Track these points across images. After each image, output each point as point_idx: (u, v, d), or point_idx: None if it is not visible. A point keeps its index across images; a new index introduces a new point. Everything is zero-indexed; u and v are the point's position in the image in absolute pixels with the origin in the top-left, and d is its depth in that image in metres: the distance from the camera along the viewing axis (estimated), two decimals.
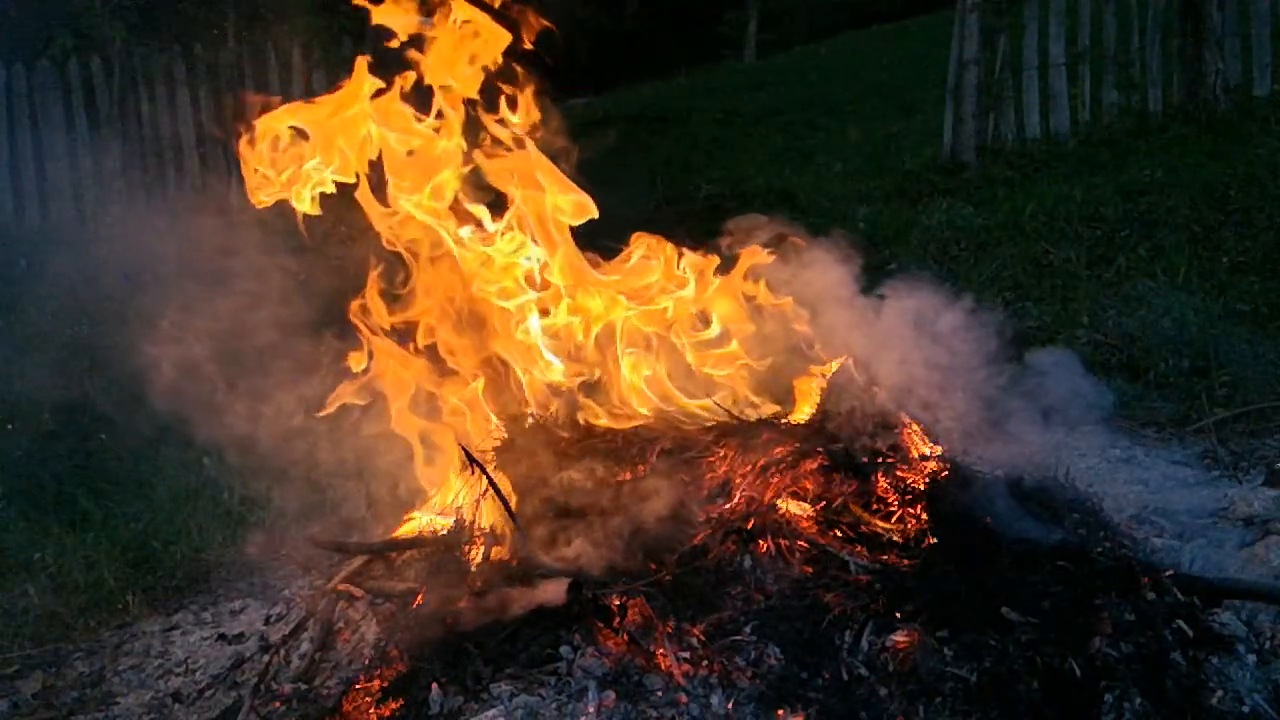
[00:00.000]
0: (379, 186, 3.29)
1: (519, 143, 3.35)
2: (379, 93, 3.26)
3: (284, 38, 10.28)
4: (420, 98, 3.30)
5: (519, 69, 3.36)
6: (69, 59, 9.95)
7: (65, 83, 9.85)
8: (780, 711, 2.34)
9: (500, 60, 3.33)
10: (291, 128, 3.25)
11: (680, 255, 3.45)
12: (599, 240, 3.47)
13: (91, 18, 10.32)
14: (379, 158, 3.29)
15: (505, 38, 3.30)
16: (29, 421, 5.29)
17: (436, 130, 3.32)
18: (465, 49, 3.31)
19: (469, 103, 3.33)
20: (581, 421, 3.28)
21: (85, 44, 10.34)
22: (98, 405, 5.32)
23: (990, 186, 8.29)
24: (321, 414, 3.51)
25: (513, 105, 3.38)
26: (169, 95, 10.12)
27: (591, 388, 3.36)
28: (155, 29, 10.74)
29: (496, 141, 3.35)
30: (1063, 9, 8.99)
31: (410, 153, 3.31)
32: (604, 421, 3.29)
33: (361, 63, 3.25)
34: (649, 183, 9.56)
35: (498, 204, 3.37)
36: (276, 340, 4.03)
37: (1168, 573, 2.68)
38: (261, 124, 3.23)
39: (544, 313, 3.39)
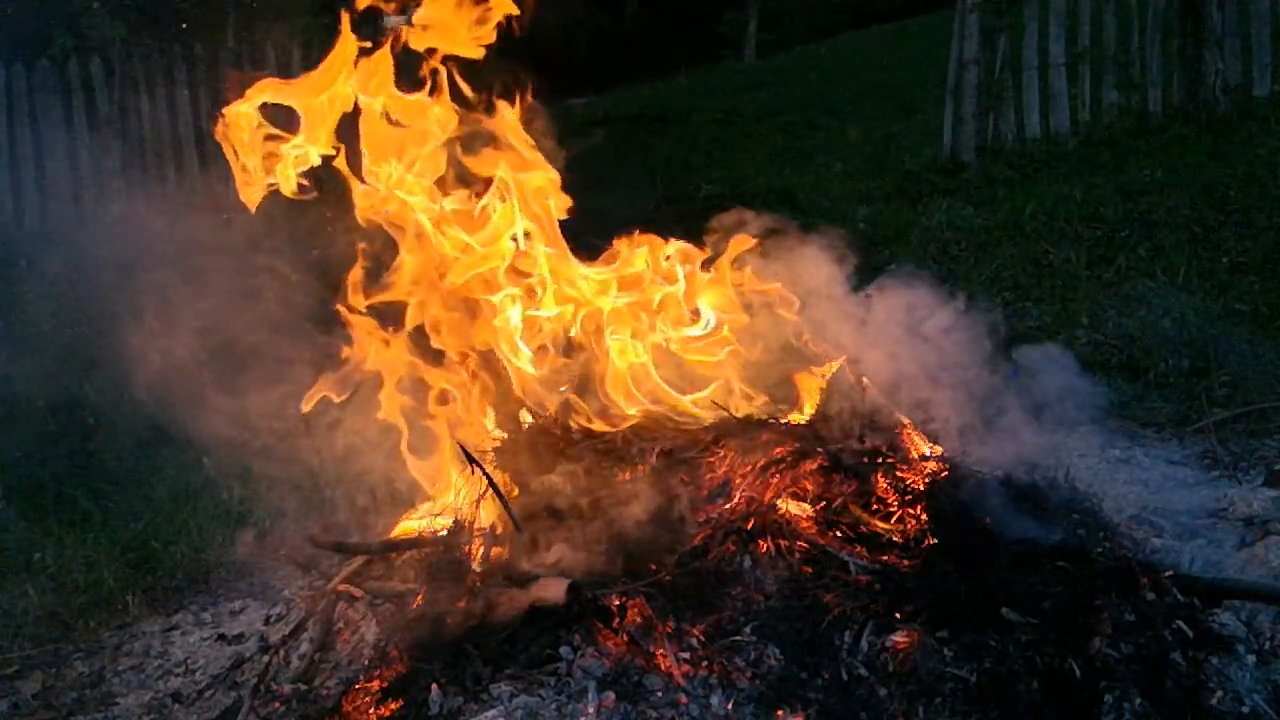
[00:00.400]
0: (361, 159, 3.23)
1: (501, 121, 3.29)
2: (366, 53, 3.17)
3: (283, 37, 10.28)
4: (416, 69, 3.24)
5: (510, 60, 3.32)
6: (68, 59, 9.95)
7: (65, 83, 9.85)
8: (780, 712, 2.34)
9: (503, 22, 3.25)
10: (266, 107, 3.20)
11: (667, 243, 3.43)
12: (589, 238, 3.46)
13: (91, 18, 10.32)
14: (359, 121, 3.21)
15: (508, 6, 3.23)
16: (29, 422, 5.29)
17: (430, 95, 3.24)
18: (465, 14, 3.24)
19: (460, 75, 3.27)
20: (579, 422, 3.28)
21: (85, 44, 10.33)
22: (97, 406, 5.32)
23: (990, 186, 8.29)
24: (311, 409, 3.49)
25: (506, 92, 3.33)
26: (168, 95, 10.12)
27: (584, 384, 3.35)
28: (155, 29, 10.74)
29: (472, 108, 3.29)
30: (1063, 9, 8.99)
31: (388, 115, 3.23)
32: (600, 422, 3.28)
33: (345, 20, 3.14)
34: (649, 183, 9.57)
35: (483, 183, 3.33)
36: (276, 340, 4.03)
37: (1167, 573, 2.68)
38: (231, 112, 3.16)
39: (529, 294, 3.34)
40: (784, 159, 10.93)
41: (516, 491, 3.04)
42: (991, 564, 2.63)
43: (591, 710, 2.33)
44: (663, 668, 2.43)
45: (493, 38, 3.24)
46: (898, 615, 2.52)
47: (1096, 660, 2.39)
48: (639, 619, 2.54)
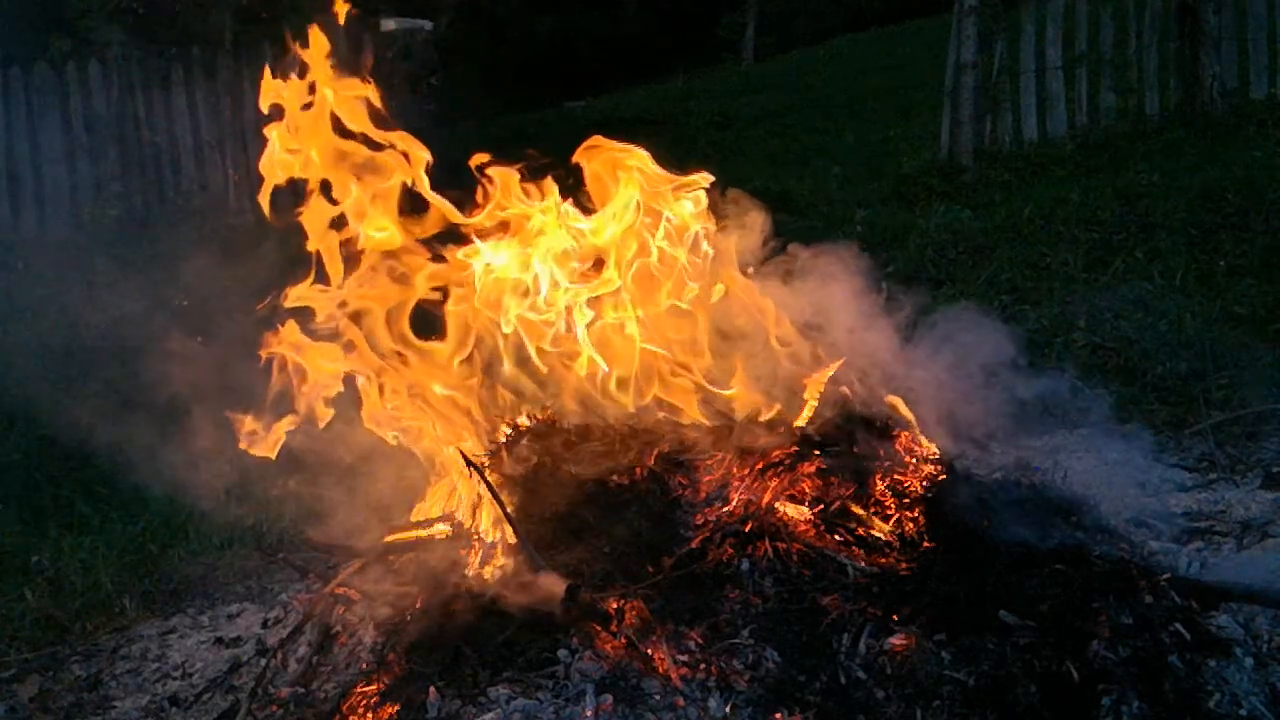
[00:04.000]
0: None
1: None
2: None
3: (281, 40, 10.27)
4: None
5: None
6: (67, 62, 9.94)
7: (63, 86, 9.84)
8: (778, 715, 2.34)
9: None
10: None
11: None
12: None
13: (90, 21, 10.32)
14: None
15: None
16: (26, 425, 5.28)
17: None
18: None
19: None
20: (575, 423, 3.27)
21: (83, 47, 10.33)
22: (95, 409, 5.31)
23: (988, 189, 8.30)
24: (312, 412, 3.48)
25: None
26: (166, 98, 10.12)
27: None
28: (153, 33, 10.74)
29: None
30: (1060, 12, 9.01)
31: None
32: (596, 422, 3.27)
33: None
34: None
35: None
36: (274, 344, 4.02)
37: (1165, 576, 2.68)
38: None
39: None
40: (781, 162, 10.95)
41: (512, 500, 3.03)
42: (989, 567, 2.63)
43: (590, 713, 2.32)
44: (661, 670, 2.43)
45: None
46: (896, 618, 2.52)
47: (1094, 663, 2.39)
48: (637, 621, 2.54)
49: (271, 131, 3.23)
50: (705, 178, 3.32)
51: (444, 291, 3.27)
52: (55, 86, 9.80)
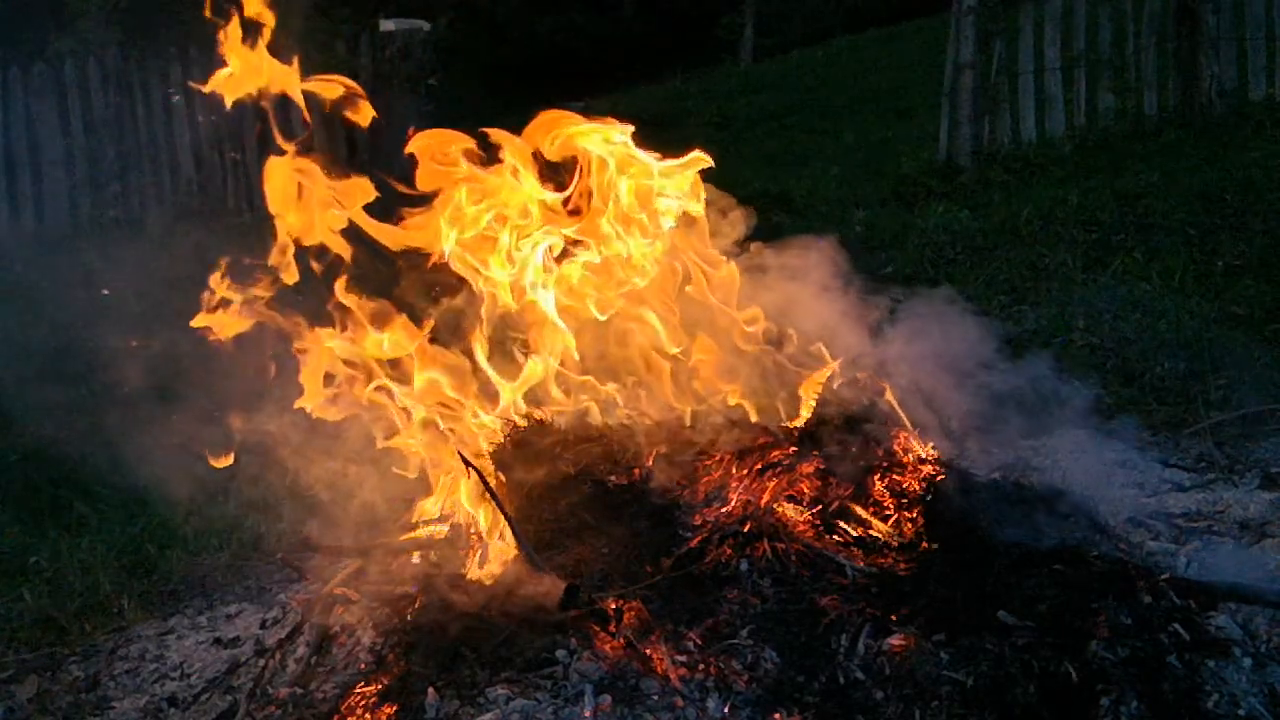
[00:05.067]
0: None
1: None
2: None
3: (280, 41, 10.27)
4: None
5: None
6: (65, 62, 9.94)
7: (61, 86, 9.83)
8: (777, 715, 2.34)
9: None
10: None
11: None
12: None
13: (89, 21, 10.33)
14: None
15: None
16: (25, 425, 5.28)
17: None
18: None
19: None
20: (572, 422, 3.27)
21: (82, 47, 10.33)
22: (93, 410, 5.31)
23: (986, 190, 8.30)
24: (308, 412, 3.47)
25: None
26: (165, 99, 10.12)
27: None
28: (152, 33, 10.74)
29: None
30: (1058, 12, 9.01)
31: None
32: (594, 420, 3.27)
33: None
34: None
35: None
36: (270, 344, 4.02)
37: (1164, 576, 2.68)
38: None
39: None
40: (780, 162, 10.95)
41: (511, 501, 3.03)
42: (988, 567, 2.63)
43: (588, 714, 2.32)
44: (659, 671, 2.43)
45: None
46: (894, 618, 2.52)
47: (1093, 663, 2.39)
48: (636, 622, 2.54)
49: (227, 53, 3.21)
50: (703, 159, 3.30)
51: (409, 260, 3.26)
52: (54, 86, 9.80)
